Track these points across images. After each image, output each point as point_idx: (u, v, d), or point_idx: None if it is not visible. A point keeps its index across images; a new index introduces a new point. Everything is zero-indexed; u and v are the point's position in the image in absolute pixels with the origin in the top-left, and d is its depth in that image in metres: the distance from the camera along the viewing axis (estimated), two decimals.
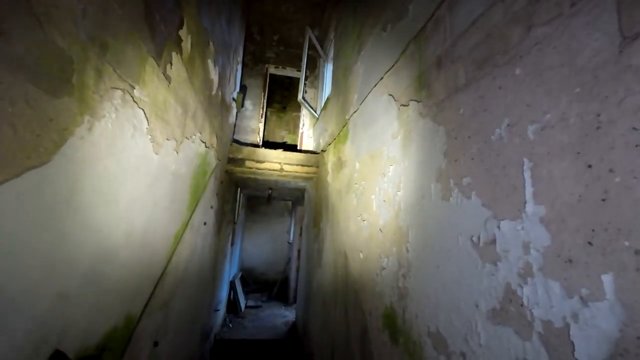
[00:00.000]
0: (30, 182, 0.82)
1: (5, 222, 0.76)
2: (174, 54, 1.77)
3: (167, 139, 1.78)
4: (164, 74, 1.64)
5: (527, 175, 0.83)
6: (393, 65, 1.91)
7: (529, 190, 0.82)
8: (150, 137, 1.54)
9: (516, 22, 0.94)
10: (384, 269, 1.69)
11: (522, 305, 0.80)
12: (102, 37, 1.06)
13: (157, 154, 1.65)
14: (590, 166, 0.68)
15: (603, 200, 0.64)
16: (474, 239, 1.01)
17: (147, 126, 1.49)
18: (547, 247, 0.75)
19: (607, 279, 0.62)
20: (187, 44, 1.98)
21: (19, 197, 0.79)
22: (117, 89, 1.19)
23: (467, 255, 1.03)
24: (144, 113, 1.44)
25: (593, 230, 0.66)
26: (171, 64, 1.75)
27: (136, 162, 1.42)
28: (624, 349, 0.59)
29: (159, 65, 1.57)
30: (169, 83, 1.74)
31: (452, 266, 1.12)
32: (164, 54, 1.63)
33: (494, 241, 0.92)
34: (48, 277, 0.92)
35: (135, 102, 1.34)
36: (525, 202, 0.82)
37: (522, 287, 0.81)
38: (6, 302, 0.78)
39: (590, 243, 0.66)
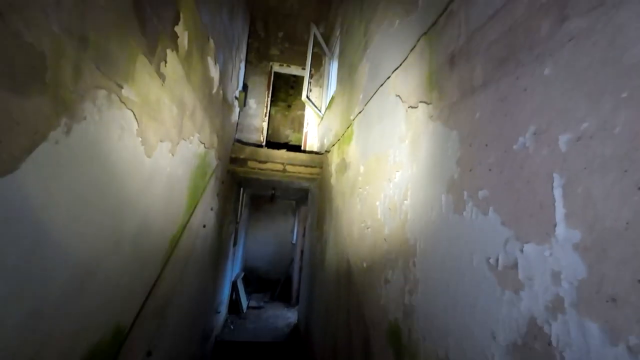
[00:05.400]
0: None
1: None
2: (168, 50, 1.68)
3: (161, 141, 1.69)
4: (157, 72, 1.55)
5: (557, 193, 0.71)
6: (401, 64, 1.78)
7: (560, 211, 0.70)
8: (141, 139, 1.45)
9: (545, 14, 0.81)
10: (389, 282, 1.58)
11: (549, 344, 0.69)
12: (81, 30, 0.96)
13: (149, 157, 1.56)
14: None
15: None
16: (491, 260, 0.89)
17: (138, 128, 1.40)
18: (582, 280, 0.64)
19: None
20: (183, 40, 1.89)
21: None
22: (100, 88, 1.10)
23: (483, 277, 0.92)
24: (134, 114, 1.35)
25: None
26: (165, 62, 1.65)
27: (125, 166, 1.33)
28: None
29: (151, 63, 1.48)
30: (163, 82, 1.65)
31: (465, 287, 1.00)
32: (157, 50, 1.54)
33: (515, 266, 0.80)
34: (16, 295, 0.83)
35: (122, 102, 1.25)
36: (555, 225, 0.71)
37: (550, 324, 0.69)
38: None
39: None
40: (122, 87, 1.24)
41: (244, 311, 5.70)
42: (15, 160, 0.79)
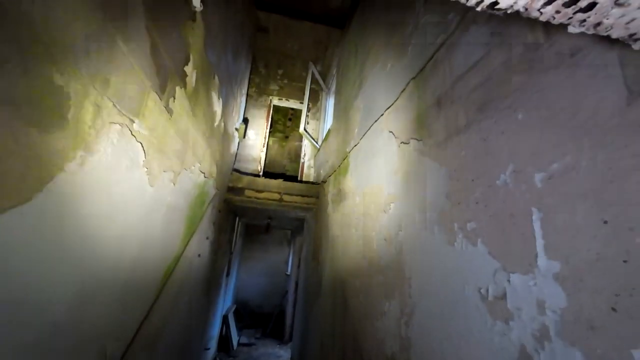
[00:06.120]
0: (9, 223, 0.77)
1: None
2: (177, 88, 1.81)
3: (164, 171, 1.75)
4: (165, 107, 1.66)
5: (537, 226, 0.78)
6: (393, 103, 1.93)
7: (540, 243, 0.76)
8: (146, 169, 1.51)
9: (515, 69, 0.94)
10: (385, 314, 1.58)
11: None
12: (104, 73, 1.07)
13: (152, 186, 1.61)
14: (606, 222, 0.63)
15: (625, 261, 0.59)
16: (482, 291, 0.93)
17: (144, 159, 1.47)
18: (564, 309, 0.68)
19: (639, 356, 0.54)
20: (191, 79, 2.03)
21: None
22: (115, 123, 1.18)
23: (475, 308, 0.95)
24: (142, 146, 1.43)
25: (617, 295, 0.59)
26: (174, 98, 1.77)
27: (129, 195, 1.38)
28: None
29: (161, 99, 1.59)
30: (171, 116, 1.75)
31: (458, 318, 1.03)
32: (167, 88, 1.66)
33: (504, 296, 0.84)
34: (11, 328, 0.84)
35: (133, 135, 1.33)
36: (536, 255, 0.76)
37: (538, 353, 0.72)
38: None
39: (614, 309, 0.59)
40: (134, 122, 1.32)
41: (234, 348, 5.40)
42: (31, 190, 0.84)
